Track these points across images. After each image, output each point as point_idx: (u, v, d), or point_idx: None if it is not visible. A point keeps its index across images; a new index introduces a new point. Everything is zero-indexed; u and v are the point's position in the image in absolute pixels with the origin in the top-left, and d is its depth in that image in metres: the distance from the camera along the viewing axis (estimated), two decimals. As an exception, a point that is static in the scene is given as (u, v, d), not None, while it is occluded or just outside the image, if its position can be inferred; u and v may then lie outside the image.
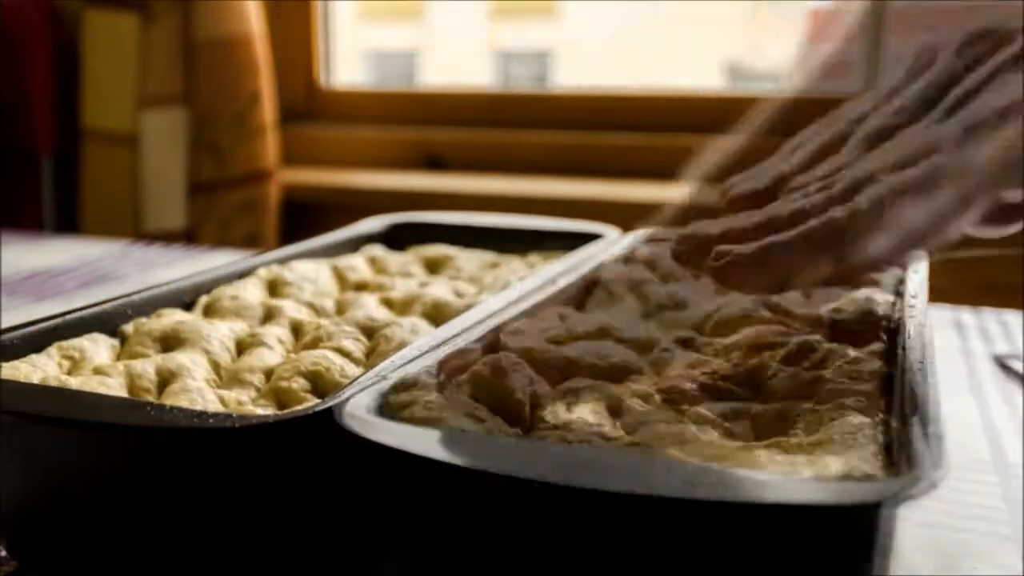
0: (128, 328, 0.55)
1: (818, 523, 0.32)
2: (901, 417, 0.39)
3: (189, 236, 1.62)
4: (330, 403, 0.39)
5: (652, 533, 0.33)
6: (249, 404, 0.47)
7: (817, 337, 0.52)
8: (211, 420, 0.38)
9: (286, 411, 0.40)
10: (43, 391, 0.43)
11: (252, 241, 1.64)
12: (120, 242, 1.20)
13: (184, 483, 0.40)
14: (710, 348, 0.52)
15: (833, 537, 0.33)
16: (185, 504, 0.40)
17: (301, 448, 0.40)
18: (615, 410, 0.44)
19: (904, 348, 0.47)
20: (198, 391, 0.47)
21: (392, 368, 0.45)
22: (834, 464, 0.35)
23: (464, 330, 0.52)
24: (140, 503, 0.40)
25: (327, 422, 0.38)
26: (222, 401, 0.47)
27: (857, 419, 0.41)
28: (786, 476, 0.33)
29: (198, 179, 1.62)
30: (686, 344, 0.53)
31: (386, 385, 0.42)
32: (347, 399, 0.39)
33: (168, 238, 1.57)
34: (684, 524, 0.32)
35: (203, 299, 0.62)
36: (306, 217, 1.73)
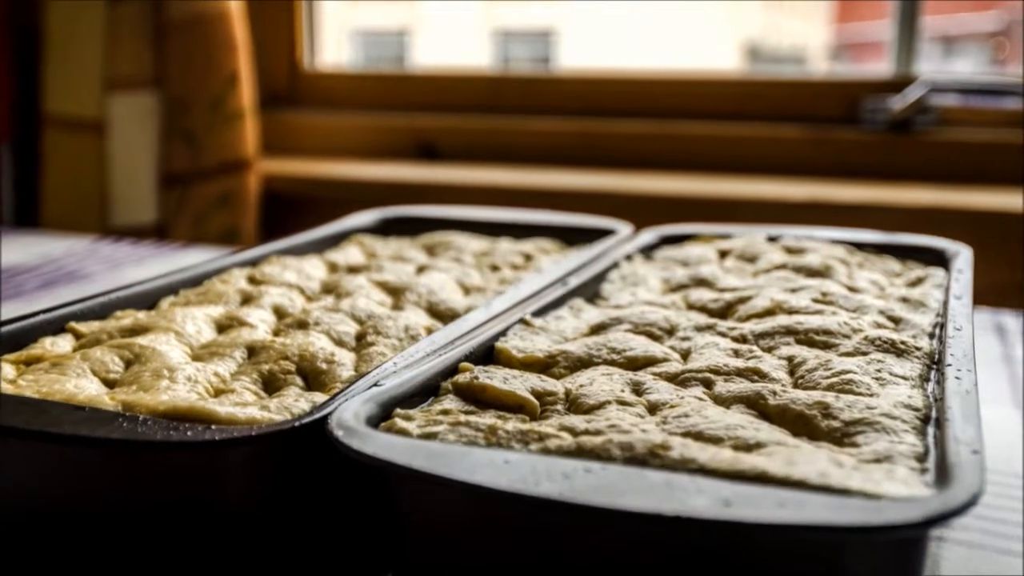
0: (84, 328, 0.55)
1: (856, 544, 0.32)
2: (939, 427, 0.39)
3: (161, 231, 1.62)
4: (318, 415, 0.39)
5: (681, 554, 0.33)
6: (231, 381, 0.48)
7: (856, 324, 0.53)
8: (189, 433, 0.38)
9: (271, 424, 0.40)
10: (5, 401, 0.42)
11: (229, 237, 1.64)
12: (85, 238, 1.20)
13: (161, 498, 0.40)
14: (735, 333, 0.53)
15: (871, 557, 0.33)
16: (164, 519, 0.40)
17: (288, 459, 0.40)
18: (638, 390, 0.45)
19: (943, 354, 0.47)
20: (168, 369, 0.47)
21: (386, 374, 0.45)
22: (875, 473, 0.35)
23: (464, 334, 0.52)
24: (111, 518, 0.40)
25: (317, 433, 0.38)
26: (196, 378, 0.47)
27: (897, 408, 0.41)
28: (823, 491, 0.33)
29: (170, 169, 1.62)
30: (708, 330, 0.54)
31: (380, 392, 0.42)
32: (336, 409, 0.39)
33: (138, 234, 1.57)
34: (715, 545, 0.33)
35: (167, 299, 0.62)
36: (288, 211, 1.73)
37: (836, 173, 1.56)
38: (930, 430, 0.40)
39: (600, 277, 0.67)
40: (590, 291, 0.64)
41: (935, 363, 0.49)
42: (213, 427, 0.39)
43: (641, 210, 1.41)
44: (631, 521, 0.32)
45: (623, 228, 0.82)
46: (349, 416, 0.38)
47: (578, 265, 0.68)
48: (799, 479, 0.34)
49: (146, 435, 0.38)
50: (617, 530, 0.33)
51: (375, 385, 0.43)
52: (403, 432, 0.39)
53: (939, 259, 0.71)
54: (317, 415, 0.39)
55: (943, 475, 0.34)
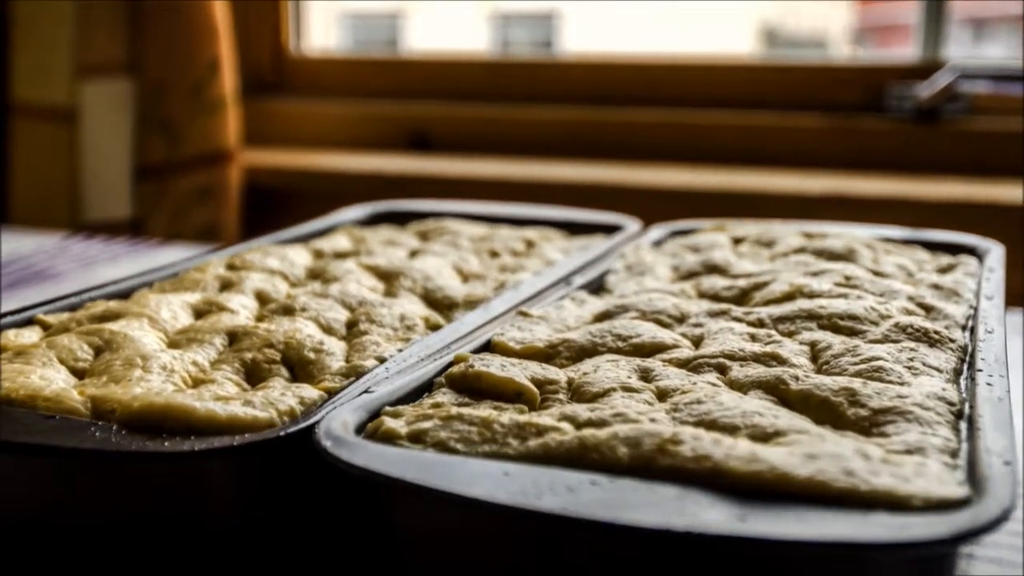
0: (52, 319, 0.55)
1: (881, 561, 0.32)
2: (971, 433, 0.39)
3: (136, 227, 1.62)
4: (304, 423, 0.39)
5: (693, 572, 0.33)
6: (210, 371, 0.47)
7: (884, 310, 0.53)
8: (166, 444, 0.38)
9: (254, 434, 0.40)
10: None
11: (209, 233, 1.64)
12: (56, 234, 1.20)
13: (136, 510, 0.40)
14: (751, 318, 0.53)
15: (897, 573, 0.33)
16: (140, 532, 0.40)
17: (273, 468, 0.40)
18: (646, 376, 0.45)
19: (974, 357, 0.47)
20: (142, 357, 0.46)
21: (377, 379, 0.45)
22: (905, 467, 0.35)
23: (460, 337, 0.52)
24: (84, 530, 0.40)
25: (304, 442, 0.38)
26: (173, 367, 0.46)
27: (930, 400, 0.41)
28: (847, 496, 0.33)
29: (147, 161, 1.62)
30: (722, 316, 0.54)
31: (371, 399, 0.42)
32: (325, 417, 0.39)
33: (111, 229, 1.57)
34: (730, 561, 0.32)
35: (140, 291, 0.62)
36: (272, 205, 1.73)
37: (859, 165, 1.56)
38: (964, 426, 0.40)
39: (606, 274, 0.67)
40: (594, 286, 0.64)
41: (968, 359, 0.48)
42: (192, 438, 0.38)
43: (650, 205, 1.41)
44: (639, 537, 0.32)
45: (631, 224, 0.82)
46: (338, 425, 0.38)
47: (583, 263, 0.68)
48: (822, 482, 0.33)
49: (120, 446, 0.38)
50: (625, 547, 0.33)
51: (366, 392, 0.43)
52: (390, 433, 0.39)
53: (969, 256, 0.71)
54: (303, 424, 0.39)
55: (973, 487, 0.34)
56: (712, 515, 0.32)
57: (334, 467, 0.36)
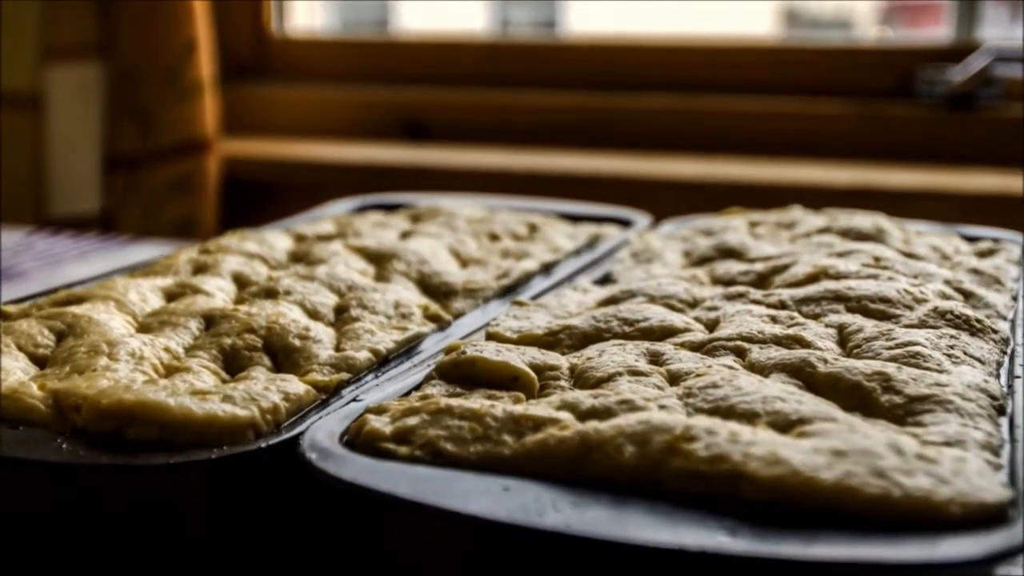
0: (13, 308, 0.54)
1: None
2: (1011, 435, 0.39)
3: (106, 222, 1.62)
4: (287, 435, 0.39)
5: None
6: (185, 358, 0.46)
7: (919, 294, 0.53)
8: (139, 459, 0.38)
9: (232, 448, 0.40)
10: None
11: (185, 228, 1.64)
12: (20, 230, 1.20)
13: (107, 525, 0.40)
14: (772, 300, 0.53)
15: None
16: (113, 548, 0.40)
17: (254, 479, 0.40)
18: (656, 360, 0.45)
19: (1013, 360, 0.47)
20: (108, 343, 0.46)
21: (366, 387, 0.45)
22: (943, 463, 0.34)
23: (461, 340, 0.52)
24: (54, 544, 0.40)
25: (288, 453, 0.38)
26: (142, 354, 0.45)
27: (971, 391, 0.41)
28: (878, 505, 0.33)
29: (118, 150, 1.62)
30: (739, 298, 0.53)
31: (360, 408, 0.42)
32: (310, 427, 0.39)
33: (80, 225, 1.57)
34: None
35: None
36: (254, 198, 1.73)
37: (887, 154, 1.56)
38: (1005, 423, 0.40)
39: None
40: (599, 280, 0.64)
41: (1010, 353, 0.48)
42: (167, 453, 0.38)
43: (661, 198, 1.40)
44: (649, 557, 0.31)
45: (640, 219, 0.82)
46: (324, 436, 0.38)
47: (587, 263, 0.68)
48: (850, 487, 0.33)
49: (89, 459, 0.38)
50: (633, 566, 0.33)
51: (354, 400, 0.43)
52: (374, 433, 0.38)
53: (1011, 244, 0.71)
54: (287, 435, 0.39)
55: (1015, 490, 0.34)
56: (726, 533, 0.31)
57: (320, 480, 0.36)
